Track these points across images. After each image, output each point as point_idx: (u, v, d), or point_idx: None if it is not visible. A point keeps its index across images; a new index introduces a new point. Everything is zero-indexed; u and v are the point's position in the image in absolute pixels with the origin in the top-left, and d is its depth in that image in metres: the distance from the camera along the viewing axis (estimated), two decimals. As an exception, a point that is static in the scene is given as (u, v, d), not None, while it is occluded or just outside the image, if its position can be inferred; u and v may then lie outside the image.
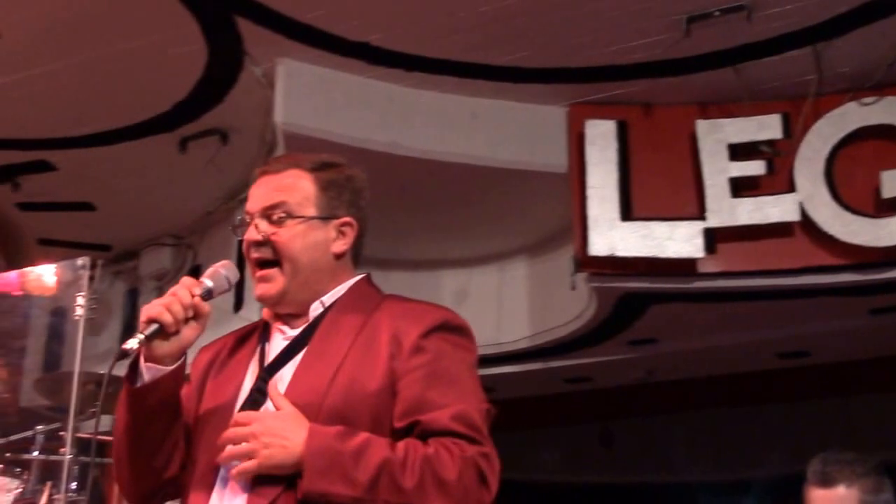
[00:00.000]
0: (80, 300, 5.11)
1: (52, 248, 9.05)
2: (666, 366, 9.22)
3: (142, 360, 2.52)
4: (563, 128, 7.04)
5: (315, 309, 2.68)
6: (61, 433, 5.11)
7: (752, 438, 11.73)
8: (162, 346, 2.49)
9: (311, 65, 6.59)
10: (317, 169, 2.75)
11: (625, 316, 7.72)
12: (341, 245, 2.72)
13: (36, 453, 5.16)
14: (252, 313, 7.47)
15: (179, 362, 2.54)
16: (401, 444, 2.41)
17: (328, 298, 2.69)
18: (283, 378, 2.57)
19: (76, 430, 5.05)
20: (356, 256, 2.80)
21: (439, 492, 2.35)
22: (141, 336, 2.44)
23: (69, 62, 6.53)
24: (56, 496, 4.88)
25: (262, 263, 2.67)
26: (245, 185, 7.82)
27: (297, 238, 2.65)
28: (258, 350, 2.70)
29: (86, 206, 8.66)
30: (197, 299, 2.53)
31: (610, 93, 6.89)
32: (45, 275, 6.86)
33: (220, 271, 2.63)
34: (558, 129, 7.05)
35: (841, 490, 4.03)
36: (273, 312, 2.75)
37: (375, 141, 6.73)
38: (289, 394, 2.50)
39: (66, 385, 5.08)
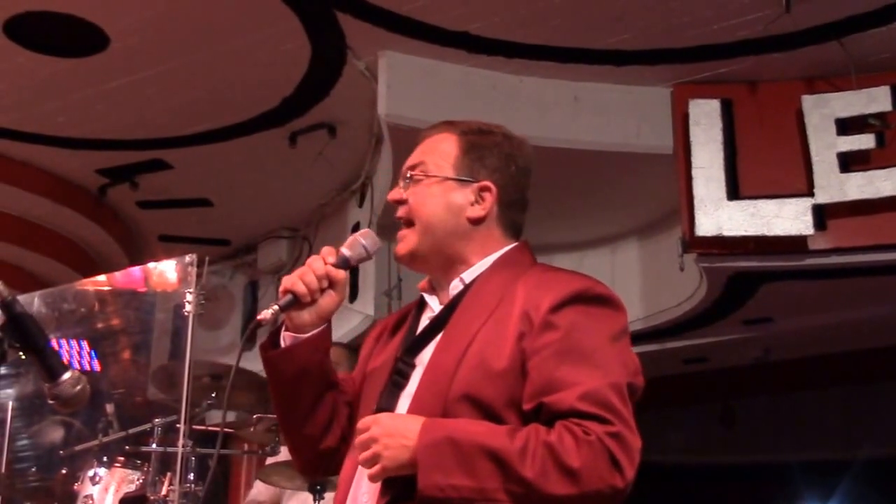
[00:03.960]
0: (189, 296, 5.23)
1: (174, 244, 9.26)
2: (784, 344, 9.13)
3: (283, 330, 2.58)
4: (667, 108, 6.99)
5: (455, 287, 2.61)
6: (178, 425, 5.22)
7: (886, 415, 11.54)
8: (301, 316, 2.53)
9: (413, 56, 6.63)
10: (466, 132, 2.68)
11: (737, 295, 7.66)
12: (478, 210, 2.62)
13: (153, 445, 5.27)
14: (366, 306, 7.57)
15: (318, 330, 2.55)
16: (522, 432, 2.28)
17: (469, 275, 2.61)
18: (422, 361, 2.52)
19: (190, 422, 5.17)
20: (511, 225, 2.72)
21: (563, 480, 2.22)
22: (275, 307, 2.49)
23: (178, 63, 6.69)
24: (173, 487, 4.99)
25: (402, 223, 2.65)
26: (356, 177, 7.97)
27: (428, 198, 2.61)
28: (409, 329, 2.67)
29: (203, 202, 8.86)
30: (330, 268, 2.53)
31: (714, 71, 6.82)
32: (167, 271, 7.00)
33: (358, 240, 2.60)
34: (662, 110, 7.00)
35: None
36: (426, 284, 2.71)
37: (479, 129, 6.73)
38: (423, 379, 2.46)
39: (178, 378, 5.20)
